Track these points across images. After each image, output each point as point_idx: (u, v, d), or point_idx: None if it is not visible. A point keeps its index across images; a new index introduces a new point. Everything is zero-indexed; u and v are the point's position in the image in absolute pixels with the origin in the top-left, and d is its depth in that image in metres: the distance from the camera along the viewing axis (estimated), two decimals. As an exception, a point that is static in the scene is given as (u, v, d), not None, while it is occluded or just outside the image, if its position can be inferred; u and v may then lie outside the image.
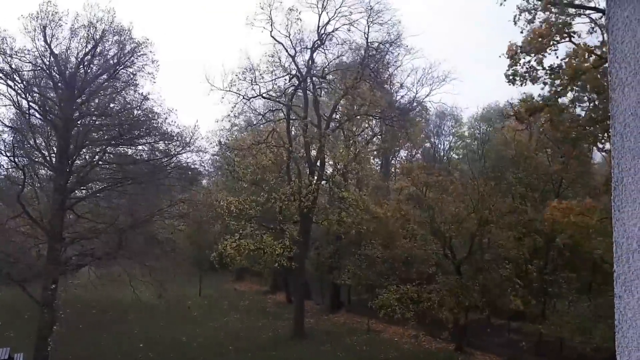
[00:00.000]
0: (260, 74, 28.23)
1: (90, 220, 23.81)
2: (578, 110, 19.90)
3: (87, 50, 22.32)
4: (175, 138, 24.74)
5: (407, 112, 33.36)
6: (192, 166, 28.01)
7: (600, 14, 15.19)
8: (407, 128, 31.44)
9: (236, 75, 27.93)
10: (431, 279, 26.01)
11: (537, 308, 25.71)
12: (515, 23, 16.77)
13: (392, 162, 44.49)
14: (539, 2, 16.37)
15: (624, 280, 1.23)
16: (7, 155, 22.56)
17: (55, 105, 22.56)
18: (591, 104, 18.30)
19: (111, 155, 25.40)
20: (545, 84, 16.72)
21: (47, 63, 21.86)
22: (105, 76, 23.42)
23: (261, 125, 32.23)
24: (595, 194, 23.73)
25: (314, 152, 29.11)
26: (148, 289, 23.82)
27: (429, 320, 25.10)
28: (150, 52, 23.21)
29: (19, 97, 21.67)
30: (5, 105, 22.23)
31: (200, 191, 32.49)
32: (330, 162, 31.53)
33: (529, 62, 16.54)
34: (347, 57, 30.08)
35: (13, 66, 21.04)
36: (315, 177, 28.19)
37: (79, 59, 22.43)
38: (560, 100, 17.24)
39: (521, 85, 17.15)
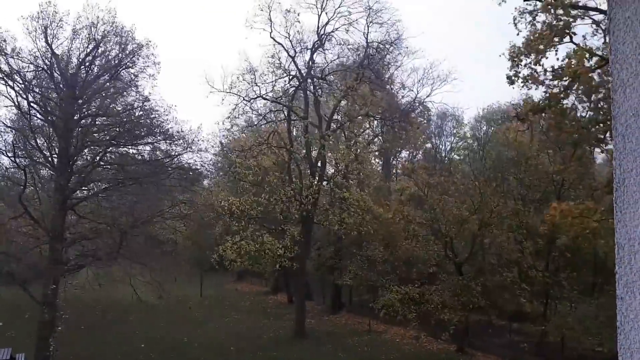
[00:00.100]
0: (261, 75, 28.30)
1: (91, 221, 23.83)
2: (580, 112, 19.90)
3: (88, 50, 22.36)
4: (176, 137, 24.77)
5: (408, 113, 33.31)
6: (194, 167, 28.04)
7: (603, 16, 15.18)
8: (407, 129, 31.43)
9: (237, 77, 28.01)
10: (433, 279, 25.99)
11: (538, 309, 25.71)
12: (515, 25, 16.76)
13: (393, 162, 44.51)
14: (540, 3, 16.36)
15: (625, 282, 1.23)
16: (8, 156, 22.61)
17: (57, 106, 22.59)
18: (592, 105, 18.27)
19: (113, 156, 25.43)
20: (545, 85, 16.71)
21: (48, 63, 21.90)
22: (106, 77, 23.45)
23: (262, 126, 32.26)
24: (596, 196, 23.71)
25: (314, 153, 29.12)
26: (149, 290, 23.85)
27: (431, 322, 25.10)
28: (152, 54, 23.27)
29: (20, 97, 21.73)
30: (7, 106, 22.29)
31: (201, 192, 32.52)
32: (332, 162, 31.54)
33: (530, 63, 16.52)
34: (347, 58, 30.11)
35: (14, 66, 21.09)
36: (317, 178, 28.19)
37: (80, 60, 22.47)
38: (563, 101, 17.22)
39: (524, 87, 17.15)
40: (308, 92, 28.91)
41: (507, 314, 27.58)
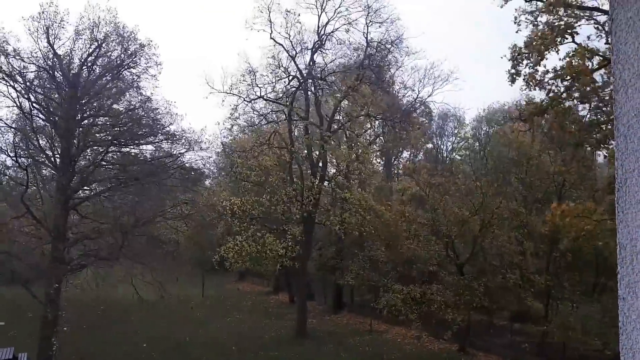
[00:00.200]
0: (261, 76, 28.31)
1: (93, 221, 23.88)
2: (582, 112, 19.85)
3: (90, 51, 22.40)
4: (178, 137, 24.81)
5: (409, 113, 33.29)
6: (195, 167, 28.09)
7: (606, 16, 15.14)
8: (408, 129, 31.40)
9: (237, 78, 28.02)
10: (434, 279, 25.97)
11: (540, 309, 25.68)
12: (517, 25, 16.73)
13: (395, 162, 44.51)
14: (541, 4, 16.33)
15: (628, 282, 1.23)
16: (10, 156, 22.66)
17: (58, 106, 22.63)
18: (591, 106, 18.25)
19: (114, 156, 25.48)
20: (546, 87, 16.67)
21: (50, 64, 21.94)
22: (108, 77, 23.48)
23: (263, 126, 32.29)
24: (597, 197, 23.68)
25: (316, 153, 29.13)
26: (151, 289, 23.88)
27: (433, 321, 25.09)
28: (154, 54, 23.30)
29: (21, 97, 21.77)
30: (8, 107, 22.33)
31: (203, 192, 32.57)
32: (333, 162, 31.54)
33: (531, 63, 16.48)
34: (348, 58, 30.12)
35: (16, 67, 21.14)
36: (318, 178, 28.20)
37: (82, 60, 22.51)
38: (565, 102, 17.17)
39: (526, 89, 17.13)
40: (309, 92, 28.91)
41: (508, 314, 27.56)
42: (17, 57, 21.06)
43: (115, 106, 24.74)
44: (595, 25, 16.21)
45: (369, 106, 29.01)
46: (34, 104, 22.05)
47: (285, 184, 28.23)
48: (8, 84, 21.15)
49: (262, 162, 28.90)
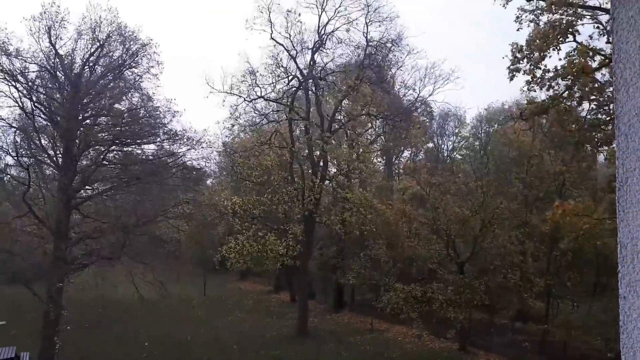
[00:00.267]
0: (262, 76, 28.31)
1: (95, 220, 23.92)
2: (582, 111, 19.81)
3: (92, 51, 22.42)
4: (179, 137, 24.82)
5: (409, 112, 33.26)
6: (197, 166, 28.10)
7: (607, 15, 15.10)
8: (409, 128, 31.37)
9: (237, 78, 28.00)
10: (435, 278, 25.96)
11: (540, 308, 25.66)
12: (519, 23, 16.68)
13: (396, 162, 44.49)
14: (543, 3, 16.29)
15: (628, 281, 1.23)
16: (12, 155, 22.71)
17: (60, 106, 22.66)
18: (590, 105, 18.23)
19: (117, 156, 25.52)
20: (548, 86, 16.63)
21: (52, 64, 21.95)
22: (110, 77, 23.50)
23: (265, 125, 32.29)
24: (598, 197, 23.66)
25: (317, 153, 29.13)
26: (152, 289, 23.91)
27: (433, 320, 25.10)
28: (155, 52, 23.30)
29: (23, 97, 21.80)
30: (10, 107, 22.36)
31: (204, 192, 32.60)
32: (334, 162, 31.54)
33: (533, 61, 16.44)
34: (349, 57, 30.13)
35: (18, 67, 21.17)
36: (319, 178, 28.21)
37: (83, 60, 22.53)
38: (567, 101, 17.12)
39: (527, 88, 17.07)
40: (309, 92, 28.91)
41: (509, 313, 27.56)
42: (19, 57, 21.10)
43: (117, 106, 24.78)
44: (596, 25, 16.19)
45: (370, 105, 28.99)
46: (36, 104, 22.08)
47: (286, 183, 28.25)
48: (10, 84, 21.20)
49: (262, 161, 28.92)
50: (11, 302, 28.17)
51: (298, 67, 28.53)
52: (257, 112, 31.50)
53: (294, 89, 28.90)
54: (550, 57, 16.23)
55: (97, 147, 24.49)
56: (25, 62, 21.44)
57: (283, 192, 27.44)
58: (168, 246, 29.26)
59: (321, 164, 28.99)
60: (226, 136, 36.81)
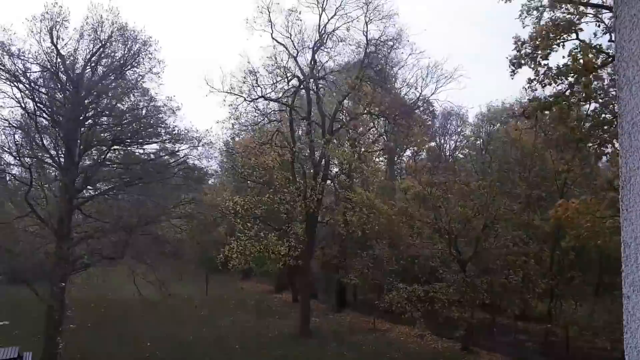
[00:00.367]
0: (262, 75, 28.32)
1: (97, 220, 23.96)
2: (585, 110, 19.73)
3: (93, 51, 22.45)
4: (182, 137, 24.84)
5: (411, 110, 33.21)
6: (199, 166, 28.13)
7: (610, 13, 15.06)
8: (412, 126, 31.31)
9: (237, 78, 28.00)
10: (437, 278, 25.94)
11: (543, 309, 25.62)
12: (521, 21, 16.63)
13: (398, 161, 44.41)
14: (546, 1, 16.24)
15: (632, 280, 1.22)
16: (13, 156, 22.74)
17: (62, 106, 22.70)
18: (589, 105, 18.15)
19: (119, 155, 25.56)
20: (548, 82, 16.56)
21: (54, 64, 21.99)
22: (112, 77, 23.54)
23: (267, 125, 32.29)
24: (601, 196, 23.53)
25: (318, 153, 29.13)
26: (155, 289, 23.94)
27: (437, 320, 25.08)
28: (155, 50, 23.32)
29: (25, 98, 21.84)
30: (12, 107, 22.40)
31: (207, 191, 32.63)
32: (336, 162, 31.53)
33: (535, 55, 16.36)
34: (350, 56, 30.13)
35: (20, 67, 21.21)
36: (320, 178, 28.21)
37: (85, 60, 22.57)
38: (570, 99, 17.05)
39: (529, 86, 17.02)
40: (311, 91, 28.91)
41: (512, 313, 27.51)
42: (21, 58, 21.14)
43: (118, 106, 24.81)
44: (598, 23, 16.13)
45: (370, 104, 28.98)
46: (38, 104, 22.12)
47: (288, 183, 28.26)
48: (12, 85, 21.25)
49: (264, 161, 28.93)
50: (14, 302, 28.23)
51: (299, 67, 28.56)
52: (258, 111, 31.54)
53: (294, 88, 28.91)
54: (556, 51, 16.14)
55: (99, 147, 24.54)
56: (27, 62, 21.50)
57: (285, 192, 27.45)
58: (170, 246, 29.25)
59: (323, 163, 28.98)
60: (229, 137, 36.88)
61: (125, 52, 23.04)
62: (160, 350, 23.72)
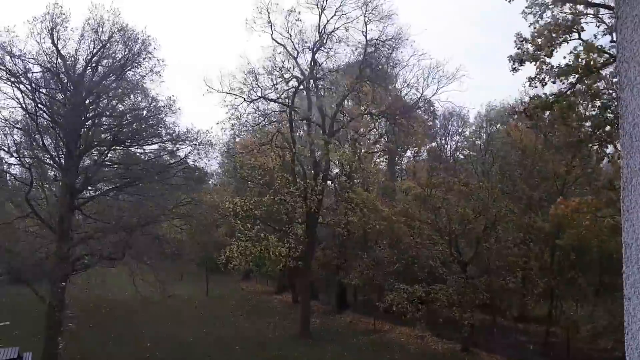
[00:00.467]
0: (261, 75, 28.32)
1: (97, 220, 23.96)
2: (586, 110, 19.69)
3: (94, 51, 22.45)
4: (182, 138, 24.83)
5: (410, 110, 33.18)
6: (200, 166, 28.12)
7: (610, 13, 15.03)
8: (412, 125, 31.27)
9: (237, 79, 28.01)
10: (437, 279, 25.93)
11: (543, 310, 25.59)
12: (524, 18, 16.56)
13: (399, 162, 44.39)
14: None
15: (633, 282, 1.22)
16: (13, 156, 22.73)
17: (63, 107, 22.70)
18: (589, 105, 18.10)
19: (119, 156, 25.55)
20: (556, 79, 16.52)
21: (55, 65, 22.00)
22: (112, 77, 23.54)
23: (268, 126, 32.29)
24: (602, 194, 23.49)
25: (318, 153, 29.12)
26: (155, 289, 23.93)
27: (438, 321, 25.06)
28: (155, 48, 23.32)
29: (27, 98, 21.83)
30: (13, 108, 22.41)
31: (208, 193, 32.63)
32: (336, 162, 31.51)
33: (537, 53, 16.31)
34: (349, 56, 30.16)
35: (21, 68, 21.21)
36: (320, 178, 28.19)
37: (86, 61, 22.57)
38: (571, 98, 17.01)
39: (530, 85, 16.99)
40: (311, 92, 28.92)
41: (512, 315, 27.50)
42: (22, 59, 21.14)
43: (119, 106, 24.81)
44: (597, 24, 16.10)
45: (370, 104, 28.97)
46: (39, 105, 22.12)
47: (288, 184, 28.25)
48: (13, 85, 21.25)
49: (263, 162, 28.93)
50: (14, 303, 28.25)
51: (299, 67, 28.57)
52: (258, 112, 31.54)
53: (294, 89, 28.92)
54: (557, 51, 16.10)
55: (99, 147, 24.54)
56: (28, 63, 21.49)
57: (285, 193, 27.44)
58: (170, 246, 29.26)
59: (323, 164, 28.98)
60: (229, 137, 36.87)
61: (126, 52, 23.05)
62: (160, 350, 23.71)
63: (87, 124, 23.36)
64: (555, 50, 16.05)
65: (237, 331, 28.07)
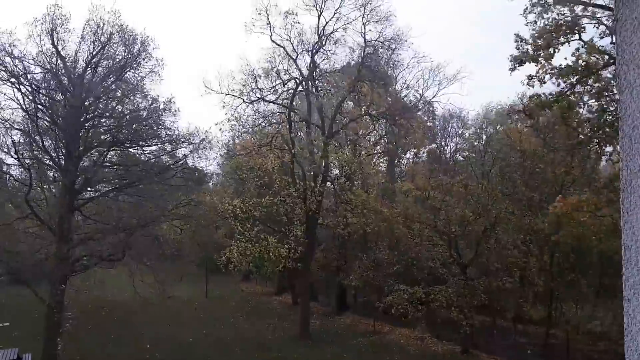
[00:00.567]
0: (260, 76, 28.31)
1: (97, 222, 23.95)
2: (586, 111, 19.70)
3: (94, 53, 22.46)
4: (182, 139, 24.84)
5: (409, 110, 33.17)
6: (199, 167, 28.13)
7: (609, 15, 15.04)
8: (412, 125, 31.27)
9: (236, 80, 28.01)
10: (437, 280, 25.93)
11: (542, 311, 25.56)
12: (525, 18, 16.56)
13: (398, 163, 44.37)
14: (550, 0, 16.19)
15: (632, 284, 1.22)
16: (13, 157, 22.73)
17: (63, 108, 22.70)
18: (599, 104, 18.07)
19: (119, 157, 25.55)
20: (552, 80, 16.53)
21: (55, 66, 22.00)
22: (112, 78, 23.54)
23: (267, 127, 32.29)
24: (601, 193, 23.48)
25: (318, 155, 29.12)
26: (154, 290, 23.91)
27: (437, 322, 25.04)
28: (154, 48, 23.35)
29: (26, 99, 21.84)
30: (13, 109, 22.39)
31: (207, 194, 32.61)
32: (335, 164, 31.51)
33: (538, 54, 16.30)
34: (348, 58, 30.13)
35: (21, 69, 21.21)
36: (320, 180, 28.19)
37: (86, 62, 22.58)
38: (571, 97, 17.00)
39: (529, 85, 16.97)
40: (310, 93, 28.93)
41: (511, 316, 27.48)
42: (22, 60, 21.14)
43: (119, 107, 24.81)
44: (595, 26, 16.11)
45: (370, 106, 28.97)
46: (39, 106, 22.13)
47: (287, 185, 28.25)
48: (14, 86, 21.25)
49: (263, 163, 28.92)
50: (14, 304, 28.22)
51: (298, 69, 28.60)
52: (258, 113, 31.54)
53: (292, 90, 28.93)
54: (558, 51, 16.09)
55: (99, 148, 24.53)
56: (29, 64, 21.50)
57: (284, 193, 27.43)
58: (170, 247, 29.26)
59: (323, 165, 28.98)
60: (229, 139, 36.86)
61: (126, 53, 23.06)
62: (160, 351, 23.69)
63: (86, 125, 23.36)
64: (556, 50, 16.05)
65: (237, 332, 28.04)
